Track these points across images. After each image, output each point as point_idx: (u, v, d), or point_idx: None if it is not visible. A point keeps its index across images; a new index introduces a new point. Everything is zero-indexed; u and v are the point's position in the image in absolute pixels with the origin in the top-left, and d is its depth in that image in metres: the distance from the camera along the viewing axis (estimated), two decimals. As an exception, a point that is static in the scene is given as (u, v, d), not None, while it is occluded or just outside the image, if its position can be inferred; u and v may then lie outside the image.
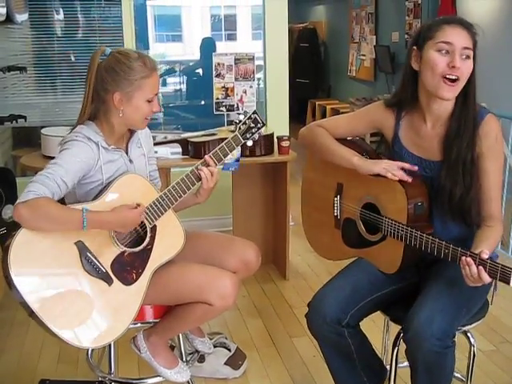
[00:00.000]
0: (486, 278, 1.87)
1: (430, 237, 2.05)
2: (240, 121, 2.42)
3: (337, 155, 2.34)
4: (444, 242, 2.01)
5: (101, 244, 2.17)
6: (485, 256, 1.88)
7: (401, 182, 2.15)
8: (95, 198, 2.21)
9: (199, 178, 2.35)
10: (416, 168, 2.18)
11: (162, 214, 2.27)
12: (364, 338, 2.38)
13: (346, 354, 2.34)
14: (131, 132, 2.42)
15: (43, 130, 3.84)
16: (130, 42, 4.76)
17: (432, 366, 2.06)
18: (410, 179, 2.15)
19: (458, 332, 2.26)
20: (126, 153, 2.38)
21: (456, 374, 2.64)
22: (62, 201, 2.17)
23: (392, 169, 2.17)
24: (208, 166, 2.36)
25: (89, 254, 2.13)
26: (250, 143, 2.43)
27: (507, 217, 4.45)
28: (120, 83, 2.21)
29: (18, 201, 1.99)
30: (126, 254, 2.22)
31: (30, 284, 2.03)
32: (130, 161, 2.37)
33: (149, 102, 2.27)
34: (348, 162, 2.29)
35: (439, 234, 2.10)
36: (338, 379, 2.46)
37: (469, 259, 1.90)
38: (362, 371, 2.40)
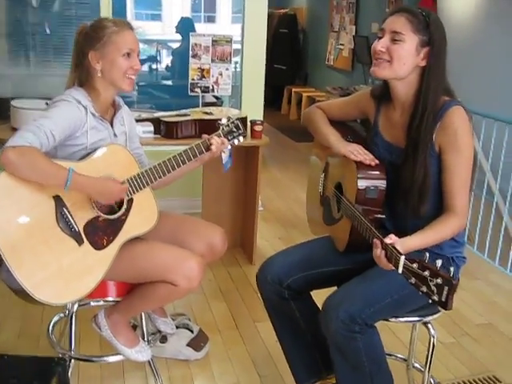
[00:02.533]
0: (384, 262, 1.88)
1: (363, 218, 2.08)
2: (223, 123, 2.50)
3: (320, 133, 2.47)
4: (368, 223, 2.03)
5: (78, 203, 2.17)
6: (388, 241, 1.88)
7: (358, 164, 2.21)
8: (80, 159, 2.23)
9: (207, 149, 2.42)
10: (374, 163, 2.22)
11: (142, 188, 2.30)
12: (315, 309, 2.42)
13: (291, 321, 2.42)
14: (115, 108, 2.44)
15: (13, 102, 3.77)
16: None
17: (342, 348, 2.11)
18: (372, 163, 2.21)
19: (420, 323, 2.30)
20: (112, 127, 2.40)
21: (415, 364, 2.69)
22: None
23: (356, 151, 2.24)
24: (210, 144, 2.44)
25: (65, 210, 2.13)
26: (228, 147, 2.53)
27: (474, 212, 4.51)
28: (93, 42, 2.28)
29: (6, 144, 1.99)
30: (100, 218, 2.23)
31: (2, 225, 2.01)
32: (115, 135, 2.40)
33: (126, 57, 2.30)
34: (326, 141, 2.41)
35: (399, 225, 2.18)
36: (285, 348, 2.52)
37: (376, 241, 1.93)
38: (316, 348, 2.44)
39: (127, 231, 2.29)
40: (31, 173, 2.02)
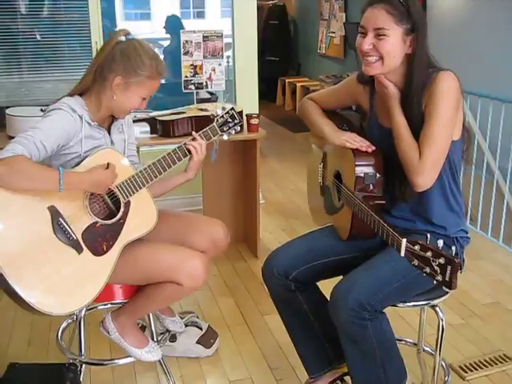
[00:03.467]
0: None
1: (364, 205, 2.08)
2: (218, 114, 2.48)
3: (314, 124, 2.47)
4: (368, 210, 2.04)
5: (74, 212, 2.17)
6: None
7: (355, 151, 2.21)
8: (74, 167, 2.23)
9: (186, 154, 2.39)
10: (370, 150, 2.21)
11: (137, 190, 2.29)
12: (323, 299, 2.43)
13: (299, 313, 2.42)
14: (113, 116, 2.42)
15: (8, 110, 3.77)
16: (95, 20, 4.68)
17: (352, 336, 2.12)
18: (369, 149, 2.20)
19: (428, 306, 2.31)
20: (109, 135, 2.38)
21: (425, 348, 2.69)
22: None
23: (351, 139, 2.24)
24: (195, 140, 2.41)
25: (61, 220, 2.12)
26: (225, 137, 2.52)
27: (476, 192, 4.51)
28: (126, 70, 2.24)
29: None
30: (97, 224, 2.22)
31: None
32: (112, 142, 2.39)
33: (141, 99, 2.31)
34: (321, 133, 2.40)
35: (400, 209, 2.21)
36: (294, 340, 2.54)
37: None
38: (325, 338, 2.45)
39: (127, 234, 2.28)
40: (22, 181, 2.00)
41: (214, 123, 2.47)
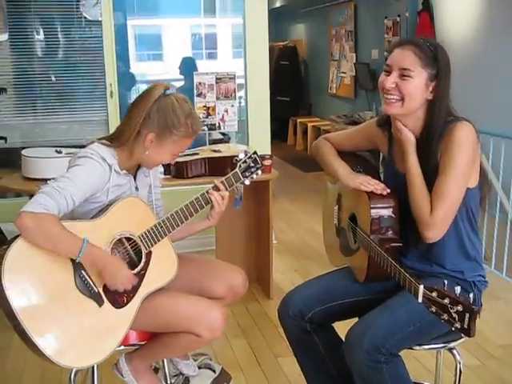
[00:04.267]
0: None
1: (379, 249, 2.07)
2: (240, 159, 2.43)
3: (328, 165, 2.47)
4: (384, 254, 2.03)
5: None
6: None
7: (370, 194, 2.21)
8: (93, 217, 2.21)
9: (207, 202, 2.37)
10: (385, 192, 2.21)
11: (159, 240, 2.27)
12: (338, 341, 2.40)
13: (315, 354, 2.40)
14: None
15: (24, 151, 3.81)
16: (110, 62, 4.75)
17: (368, 379, 2.08)
18: (384, 192, 2.20)
19: (444, 349, 2.28)
20: (134, 180, 2.38)
21: (443, 391, 2.65)
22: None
23: (366, 182, 2.24)
24: (218, 190, 2.38)
25: (83, 272, 2.10)
26: (247, 182, 2.46)
27: (490, 232, 4.48)
28: (161, 129, 2.23)
29: (24, 208, 1.97)
30: None
31: (21, 294, 2.00)
32: (136, 188, 2.38)
33: (172, 155, 2.31)
34: (335, 174, 2.41)
35: (416, 257, 2.21)
36: (309, 381, 2.50)
37: None
38: (340, 380, 2.41)
39: (148, 285, 2.26)
40: (45, 242, 2.01)
41: (237, 169, 2.41)
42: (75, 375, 2.62)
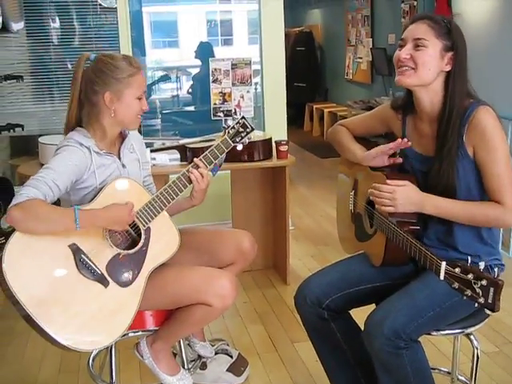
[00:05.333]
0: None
1: (399, 230, 2.06)
2: (229, 126, 2.47)
3: (347, 150, 2.49)
4: (404, 234, 2.02)
5: (95, 246, 2.17)
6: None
7: (388, 175, 2.22)
8: (91, 201, 2.23)
9: (190, 181, 2.38)
10: (400, 160, 2.27)
11: (156, 216, 2.29)
12: (356, 328, 2.40)
13: (332, 342, 2.39)
14: (123, 137, 2.43)
15: (41, 139, 3.83)
16: (126, 49, 4.75)
17: (388, 365, 2.08)
18: (408, 144, 2.22)
19: (462, 334, 2.27)
20: (119, 158, 2.38)
21: (460, 377, 2.64)
22: (57, 204, 2.18)
23: (384, 147, 2.28)
24: (198, 167, 2.39)
25: (83, 256, 2.13)
26: (239, 147, 2.50)
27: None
28: (109, 83, 2.24)
29: (10, 205, 1.99)
30: (120, 255, 2.22)
31: (24, 286, 2.02)
32: (123, 165, 2.38)
33: (138, 99, 2.30)
34: (354, 157, 2.43)
35: (433, 236, 2.20)
36: (327, 368, 2.50)
37: None
38: (358, 367, 2.41)
39: (151, 261, 2.27)
40: (39, 224, 2.02)
41: (226, 135, 2.45)
42: (93, 360, 2.65)
